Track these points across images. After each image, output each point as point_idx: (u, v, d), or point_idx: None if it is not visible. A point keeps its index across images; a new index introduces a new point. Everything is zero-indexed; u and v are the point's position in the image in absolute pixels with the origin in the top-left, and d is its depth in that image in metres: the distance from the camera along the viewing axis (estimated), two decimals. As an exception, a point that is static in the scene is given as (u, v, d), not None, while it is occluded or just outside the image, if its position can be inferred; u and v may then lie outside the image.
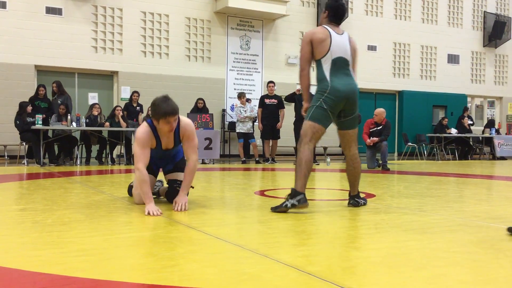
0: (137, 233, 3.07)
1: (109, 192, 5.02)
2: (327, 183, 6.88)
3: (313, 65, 4.04)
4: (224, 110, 13.69)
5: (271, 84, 11.38)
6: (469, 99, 17.95)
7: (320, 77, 3.96)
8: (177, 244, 2.69)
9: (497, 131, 15.21)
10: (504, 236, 2.99)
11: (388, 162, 9.82)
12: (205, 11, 13.50)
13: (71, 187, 5.60)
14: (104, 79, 12.71)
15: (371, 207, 4.14)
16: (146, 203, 3.75)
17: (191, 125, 4.02)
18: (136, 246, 2.70)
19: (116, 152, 11.02)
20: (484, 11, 17.92)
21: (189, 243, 2.77)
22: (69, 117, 9.66)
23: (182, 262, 2.28)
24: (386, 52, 16.11)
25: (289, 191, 3.87)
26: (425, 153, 14.72)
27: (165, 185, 4.47)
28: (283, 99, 11.51)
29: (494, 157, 14.76)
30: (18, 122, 9.61)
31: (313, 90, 4.01)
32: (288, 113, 11.81)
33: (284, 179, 7.46)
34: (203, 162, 10.99)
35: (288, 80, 14.31)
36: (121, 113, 10.28)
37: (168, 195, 4.20)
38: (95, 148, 10.56)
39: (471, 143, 14.87)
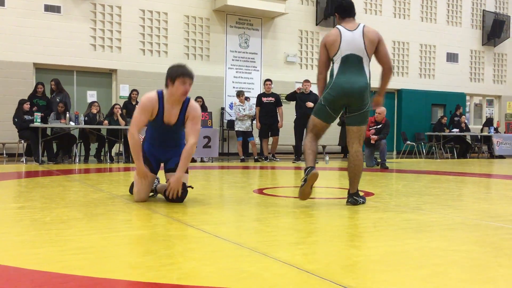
0: (135, 231, 3.07)
1: (107, 190, 5.01)
2: (326, 181, 6.87)
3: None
4: (223, 109, 13.68)
5: (268, 82, 11.35)
6: (468, 97, 17.97)
7: (330, 75, 4.13)
8: (175, 242, 2.68)
9: (496, 130, 15.23)
10: (503, 234, 2.99)
11: (387, 160, 9.83)
12: (204, 9, 13.49)
13: (69, 185, 5.60)
14: (103, 77, 12.69)
15: (369, 205, 4.14)
16: (136, 164, 4.01)
17: (199, 110, 4.14)
18: (135, 244, 2.70)
19: (114, 150, 11.01)
20: (483, 10, 17.92)
21: (187, 241, 2.77)
22: (67, 115, 9.65)
23: (180, 260, 2.28)
24: (385, 51, 16.08)
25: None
26: (424, 151, 14.73)
27: (162, 182, 4.46)
28: (280, 97, 11.50)
29: (492, 155, 14.78)
30: (16, 120, 9.60)
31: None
32: (288, 111, 11.81)
33: (283, 178, 7.46)
34: (201, 161, 10.98)
35: (287, 78, 14.31)
36: (120, 111, 10.27)
37: (167, 196, 4.17)
38: (93, 146, 10.55)
39: (469, 141, 14.89)
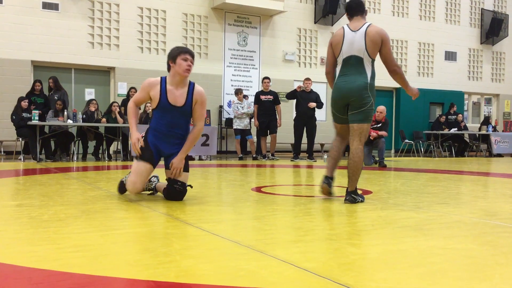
0: (133, 229, 3.07)
1: (105, 188, 5.01)
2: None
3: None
4: (221, 107, 13.67)
5: (266, 80, 11.34)
6: (466, 96, 17.98)
7: (335, 76, 4.27)
8: (173, 240, 2.68)
9: (494, 128, 15.25)
10: (501, 233, 2.99)
11: (385, 159, 9.83)
12: (202, 7, 13.47)
13: (67, 183, 5.59)
14: (101, 74, 12.67)
15: (368, 203, 4.15)
16: (130, 131, 4.16)
17: (205, 95, 4.26)
18: (133, 242, 2.70)
19: (112, 148, 11.00)
20: (482, 8, 17.93)
21: (185, 239, 2.76)
22: (65, 113, 9.64)
23: (178, 258, 2.28)
24: (383, 49, 16.08)
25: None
26: (422, 150, 14.75)
27: (161, 181, 4.45)
28: (278, 95, 11.49)
29: (490, 154, 14.80)
30: (14, 117, 9.59)
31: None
32: (286, 109, 11.80)
33: (281, 176, 7.46)
34: (200, 159, 10.98)
35: (285, 76, 14.31)
36: (118, 109, 10.26)
37: (168, 195, 4.15)
38: (91, 144, 10.55)
39: (467, 140, 14.91)
